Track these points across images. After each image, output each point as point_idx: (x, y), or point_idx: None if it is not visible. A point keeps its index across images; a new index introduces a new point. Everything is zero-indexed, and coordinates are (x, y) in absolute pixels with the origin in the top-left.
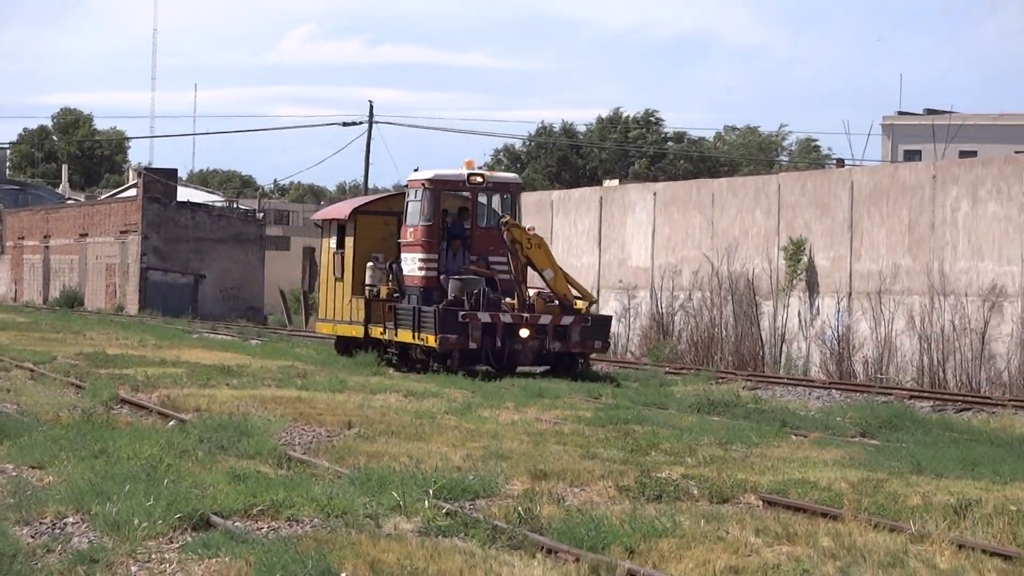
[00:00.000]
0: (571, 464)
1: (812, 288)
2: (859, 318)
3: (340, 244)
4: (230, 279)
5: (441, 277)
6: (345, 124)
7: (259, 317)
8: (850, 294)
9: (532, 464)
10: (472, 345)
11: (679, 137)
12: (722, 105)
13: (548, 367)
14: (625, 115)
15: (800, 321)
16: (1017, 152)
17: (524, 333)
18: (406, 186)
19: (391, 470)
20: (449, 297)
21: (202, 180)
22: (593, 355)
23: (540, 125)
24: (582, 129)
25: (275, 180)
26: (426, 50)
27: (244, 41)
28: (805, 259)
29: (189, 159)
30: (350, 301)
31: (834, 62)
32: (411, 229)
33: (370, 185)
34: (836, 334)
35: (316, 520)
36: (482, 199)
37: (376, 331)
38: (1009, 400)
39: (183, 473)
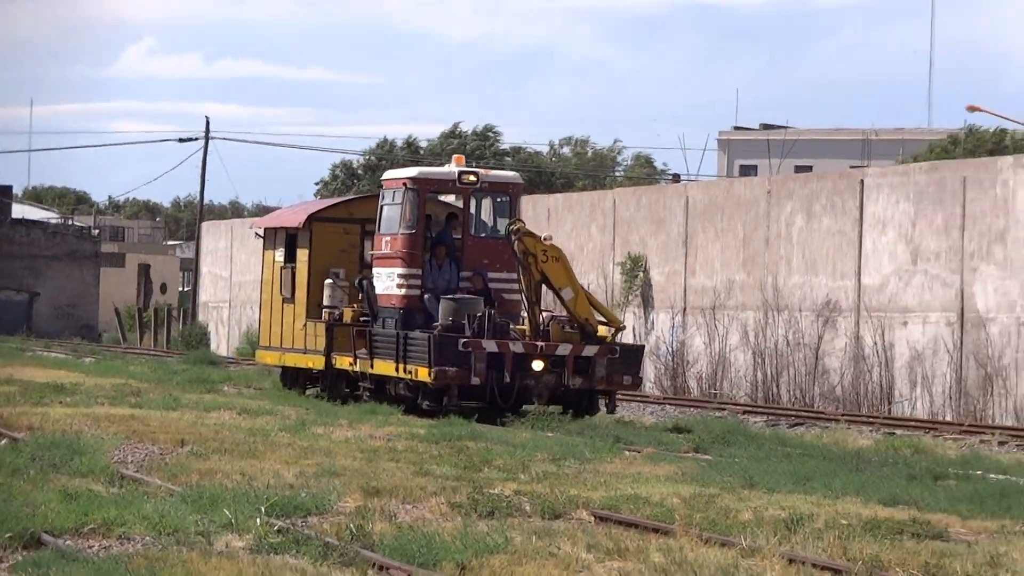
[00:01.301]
0: (404, 481)
1: (647, 303)
2: (693, 333)
3: (290, 257)
4: (65, 296)
5: (426, 297)
6: (181, 140)
7: (94, 335)
8: (684, 309)
9: (365, 481)
10: (475, 380)
11: (516, 151)
12: (560, 120)
13: (562, 406)
14: (463, 130)
15: (635, 336)
16: (852, 167)
17: (538, 366)
18: (379, 187)
19: (223, 488)
20: (439, 321)
21: (36, 197)
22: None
23: (381, 140)
24: (424, 144)
25: (110, 196)
26: (265, 65)
27: (82, 55)
28: (642, 275)
29: (24, 175)
30: (304, 326)
31: (672, 78)
32: (387, 239)
33: (206, 201)
34: (671, 349)
35: (148, 538)
36: (473, 203)
37: (342, 361)
38: (842, 415)
39: (14, 492)
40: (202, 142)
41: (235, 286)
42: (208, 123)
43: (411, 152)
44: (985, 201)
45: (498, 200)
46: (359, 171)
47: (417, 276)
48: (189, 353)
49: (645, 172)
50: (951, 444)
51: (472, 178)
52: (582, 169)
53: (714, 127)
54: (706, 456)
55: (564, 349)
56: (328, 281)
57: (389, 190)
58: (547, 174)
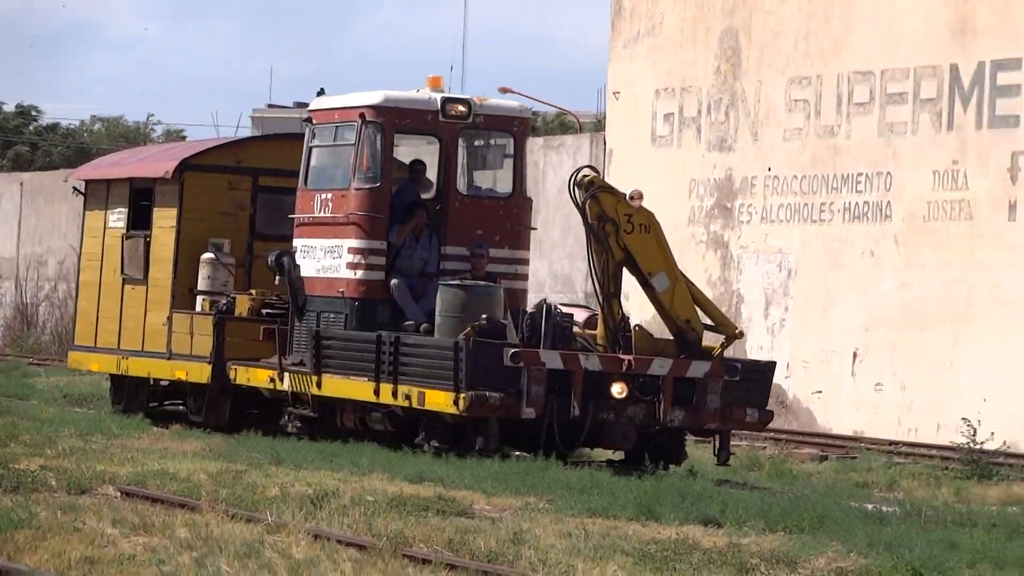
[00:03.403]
0: None
1: None
2: None
3: (140, 222)
4: None
5: (393, 283)
6: None
7: None
8: None
9: None
10: (528, 411)
11: (53, 127)
12: (98, 96)
13: (614, 448)
14: (5, 108)
15: None
16: None
17: (619, 391)
18: (306, 120)
19: None
20: (412, 319)
21: None
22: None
23: None
24: None
25: None
26: None
27: None
28: None
29: None
30: (168, 320)
31: (209, 55)
32: (326, 198)
33: None
34: None
35: None
36: (462, 147)
37: (254, 375)
38: None
39: None
40: None
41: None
42: None
43: None
44: None
45: (495, 142)
46: None
47: (382, 252)
48: None
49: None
50: None
51: (462, 109)
52: (117, 146)
53: (248, 105)
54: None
55: (661, 367)
56: (207, 256)
57: (326, 126)
58: (86, 149)
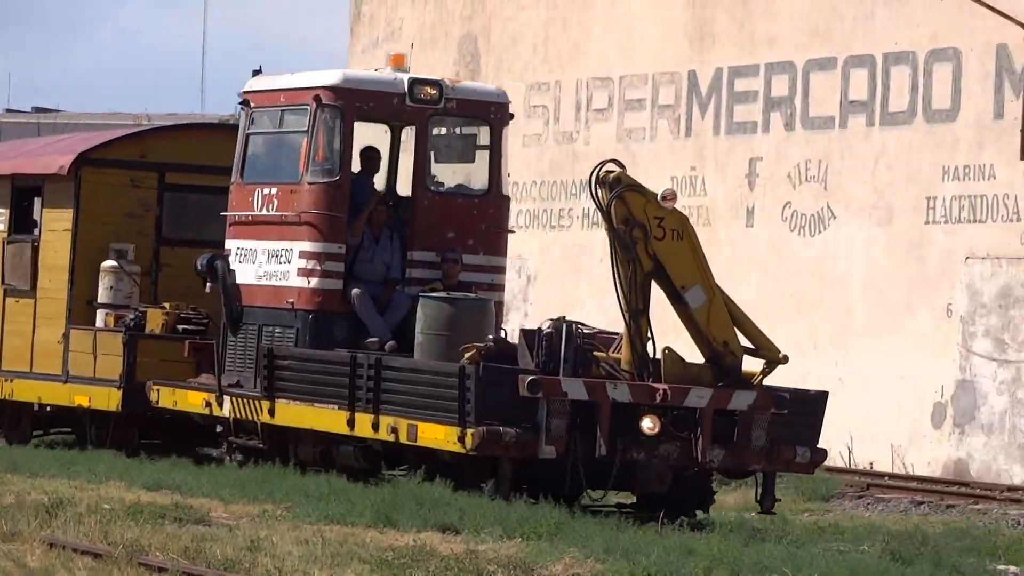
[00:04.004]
0: None
1: None
2: None
3: (23, 225)
4: None
5: (354, 292)
6: None
7: None
8: None
9: None
10: (547, 450)
11: None
12: None
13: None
14: None
15: None
16: None
17: (650, 425)
18: (240, 105)
19: None
20: (376, 335)
21: None
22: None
23: None
24: None
25: None
26: None
27: None
28: None
29: None
30: (65, 336)
31: None
32: (270, 192)
33: None
34: None
35: None
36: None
37: (187, 400)
38: None
39: None
40: None
41: None
42: None
43: None
44: None
45: (467, 132)
46: None
47: (340, 257)
48: None
49: None
50: None
51: (432, 92)
52: None
53: None
54: None
55: (699, 397)
56: (110, 264)
57: (268, 110)
58: None
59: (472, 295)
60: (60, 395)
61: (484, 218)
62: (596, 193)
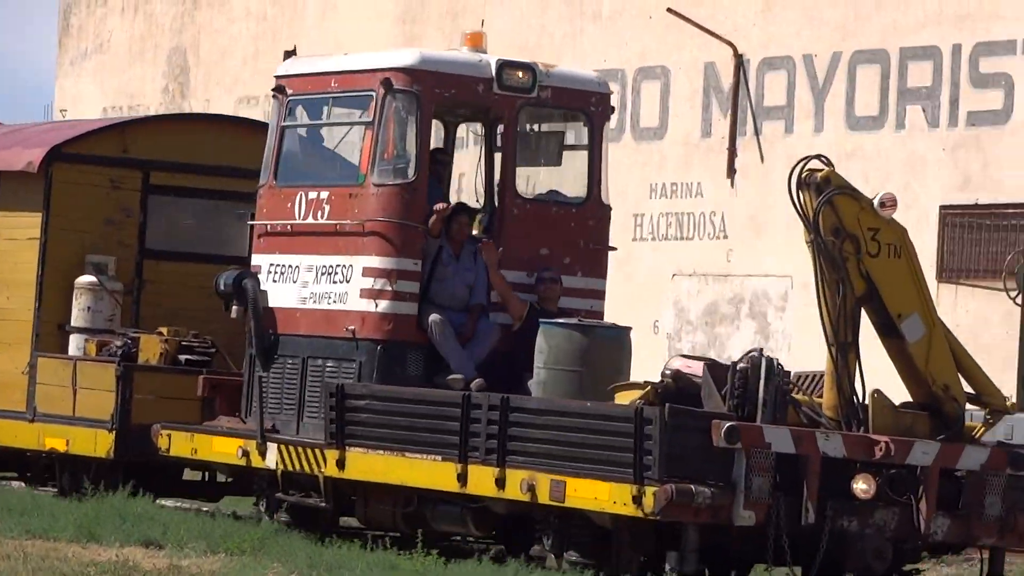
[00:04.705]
0: None
1: None
2: None
3: None
4: None
5: (433, 320)
6: None
7: None
8: None
9: None
10: (747, 515)
11: None
12: None
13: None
14: None
15: None
16: None
17: (864, 488)
18: (274, 92)
19: None
20: (457, 372)
21: None
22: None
23: None
24: None
25: None
26: None
27: None
28: None
29: None
30: (31, 367)
31: None
32: (319, 197)
33: None
34: None
35: None
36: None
37: (215, 448)
38: None
39: None
40: None
41: None
42: None
43: None
44: None
45: (551, 128)
46: None
47: (415, 276)
48: None
49: None
50: None
51: (525, 77)
52: None
53: None
54: None
55: (924, 453)
56: (87, 280)
57: (315, 97)
58: None
59: (608, 323)
60: (25, 437)
61: (583, 232)
62: (797, 197)
